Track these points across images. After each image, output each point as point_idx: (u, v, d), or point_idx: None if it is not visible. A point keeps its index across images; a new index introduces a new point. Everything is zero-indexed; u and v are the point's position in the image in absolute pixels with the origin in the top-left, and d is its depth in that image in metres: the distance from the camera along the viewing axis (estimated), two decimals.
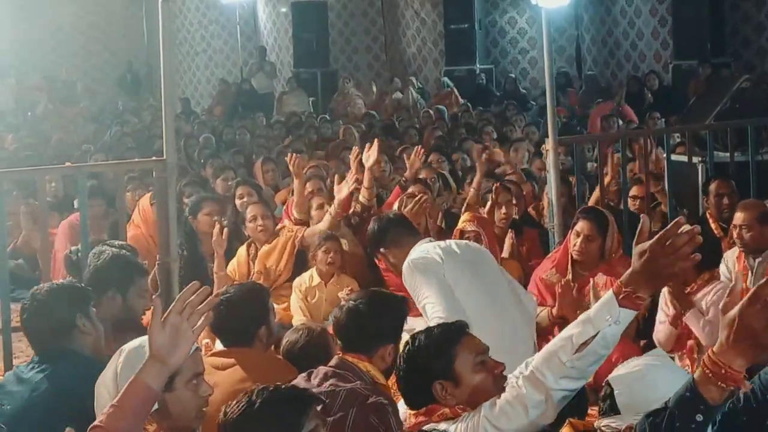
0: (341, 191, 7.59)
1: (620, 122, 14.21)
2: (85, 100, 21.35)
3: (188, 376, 3.76)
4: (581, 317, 3.39)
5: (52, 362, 4.48)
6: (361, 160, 8.13)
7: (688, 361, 6.51)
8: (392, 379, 4.40)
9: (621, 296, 3.25)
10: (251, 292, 5.02)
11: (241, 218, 8.17)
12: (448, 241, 5.97)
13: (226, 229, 7.50)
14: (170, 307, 3.22)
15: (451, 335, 3.71)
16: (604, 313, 3.28)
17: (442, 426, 3.51)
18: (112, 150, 13.85)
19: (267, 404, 3.15)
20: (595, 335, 3.29)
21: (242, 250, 7.87)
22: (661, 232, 3.18)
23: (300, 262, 7.79)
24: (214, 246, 7.43)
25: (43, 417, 4.26)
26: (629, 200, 8.51)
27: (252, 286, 5.23)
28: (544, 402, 3.37)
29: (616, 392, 3.50)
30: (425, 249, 5.71)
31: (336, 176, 7.99)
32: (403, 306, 4.63)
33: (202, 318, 3.26)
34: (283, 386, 3.09)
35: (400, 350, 3.85)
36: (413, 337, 3.77)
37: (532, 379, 3.39)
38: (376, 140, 8.42)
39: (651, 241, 3.19)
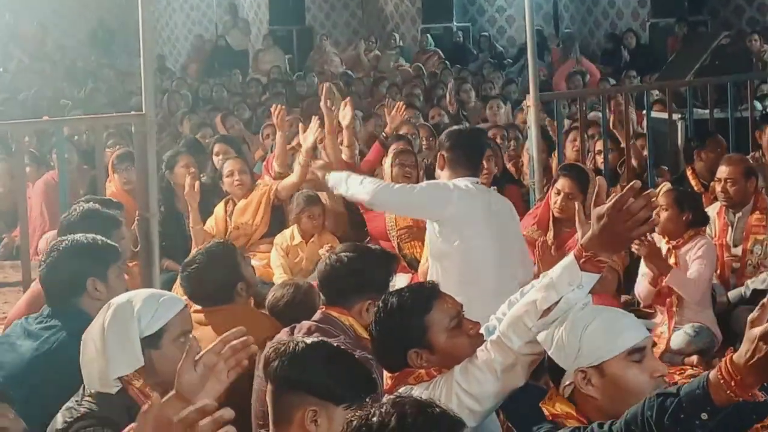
0: (307, 140, 7.52)
1: (583, 79, 14.24)
2: (55, 55, 21.10)
3: (176, 334, 3.74)
4: (545, 281, 3.37)
5: (61, 319, 4.36)
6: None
7: (667, 316, 6.54)
8: None
9: (582, 260, 3.23)
10: (218, 256, 4.96)
11: (219, 175, 8.13)
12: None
13: (198, 182, 7.45)
14: (209, 347, 3.02)
15: (422, 300, 3.65)
16: (567, 278, 3.27)
17: (416, 391, 3.48)
18: (86, 106, 13.73)
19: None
20: (559, 300, 3.27)
21: (219, 207, 7.84)
22: (616, 197, 3.16)
23: (276, 216, 7.76)
24: (187, 199, 7.40)
25: (41, 379, 4.16)
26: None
27: (217, 248, 5.12)
28: (513, 366, 3.35)
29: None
30: (463, 184, 5.66)
31: (300, 125, 7.91)
32: (390, 262, 4.56)
33: (238, 365, 3.03)
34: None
35: (374, 313, 3.78)
36: (384, 300, 3.72)
37: (499, 344, 3.37)
38: (349, 98, 8.38)
39: (607, 205, 3.17)
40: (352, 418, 2.62)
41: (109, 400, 3.59)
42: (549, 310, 3.26)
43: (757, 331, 2.72)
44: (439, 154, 5.80)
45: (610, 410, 3.11)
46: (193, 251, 5.77)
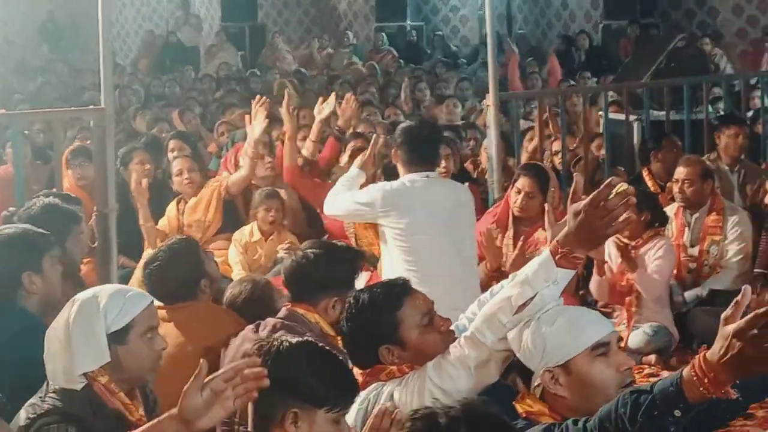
0: (254, 131, 7.50)
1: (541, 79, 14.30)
2: (3, 50, 20.88)
3: (142, 330, 3.70)
4: (519, 277, 3.36)
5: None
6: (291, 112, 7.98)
7: (626, 316, 6.58)
8: None
9: (558, 256, 3.23)
10: (180, 253, 4.89)
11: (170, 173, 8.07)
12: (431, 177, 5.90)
13: (145, 179, 7.40)
14: (218, 372, 2.95)
15: (394, 297, 3.64)
16: (542, 274, 3.25)
17: (388, 387, 3.46)
18: (36, 101, 13.58)
19: None
20: (534, 296, 3.25)
21: (171, 206, 7.79)
22: (594, 193, 3.16)
23: (229, 211, 7.71)
24: (135, 195, 7.34)
25: None
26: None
27: (179, 245, 5.03)
28: (487, 362, 3.34)
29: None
30: (399, 181, 5.75)
31: (246, 117, 7.88)
32: (356, 258, 4.54)
33: (247, 394, 2.94)
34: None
35: (345, 309, 3.77)
36: (355, 297, 3.70)
37: (473, 340, 3.36)
38: (333, 93, 8.40)
39: (584, 202, 3.17)
40: (417, 417, 2.57)
41: (73, 396, 3.54)
42: (524, 306, 3.25)
43: (731, 328, 2.70)
44: (393, 150, 5.81)
45: (581, 407, 3.10)
46: (156, 248, 5.71)
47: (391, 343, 3.57)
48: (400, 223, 5.60)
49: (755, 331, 2.64)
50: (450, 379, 3.35)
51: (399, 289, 3.69)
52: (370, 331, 3.59)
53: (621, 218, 3.14)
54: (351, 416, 3.42)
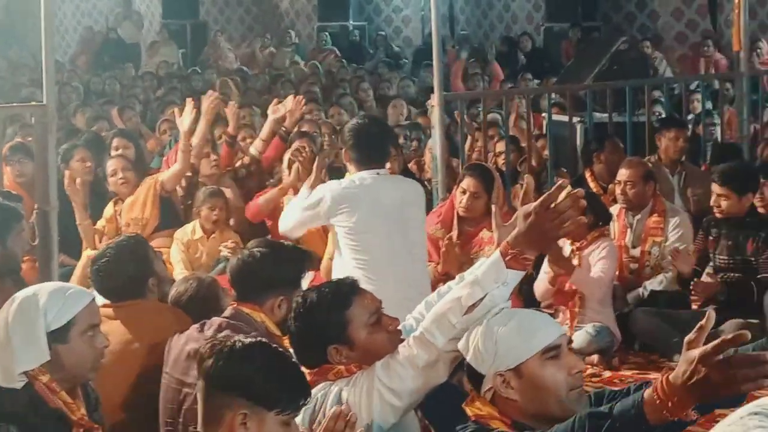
0: (183, 123, 7.47)
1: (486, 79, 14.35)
2: None
3: (83, 328, 3.66)
4: (469, 278, 3.36)
5: None
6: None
7: (569, 316, 6.61)
8: None
9: (508, 257, 3.22)
10: (129, 249, 4.83)
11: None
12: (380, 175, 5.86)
13: (79, 179, 7.36)
14: None
15: (342, 296, 3.63)
16: (492, 275, 3.25)
17: (336, 387, 3.45)
18: None
19: None
20: (484, 297, 3.24)
21: (109, 207, 7.74)
22: (544, 195, 3.18)
23: (166, 208, 7.66)
24: (69, 195, 7.28)
25: None
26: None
27: (128, 241, 4.99)
28: (436, 363, 3.33)
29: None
30: (349, 180, 5.73)
31: (176, 109, 7.84)
32: (303, 258, 4.51)
33: None
34: None
35: (292, 308, 3.75)
36: (303, 296, 3.68)
37: (422, 340, 3.35)
38: (290, 96, 8.45)
39: (535, 204, 3.18)
40: None
41: (14, 395, 3.50)
42: (474, 306, 3.24)
43: (696, 353, 2.69)
44: (344, 151, 5.79)
45: (532, 411, 3.11)
46: (94, 248, 5.65)
47: (339, 343, 3.56)
48: (349, 222, 5.57)
49: (721, 356, 2.64)
50: (399, 379, 3.35)
51: (347, 289, 3.67)
52: (318, 330, 3.58)
53: (571, 220, 3.15)
54: (298, 416, 3.40)
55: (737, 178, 6.64)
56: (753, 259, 6.54)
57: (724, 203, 6.60)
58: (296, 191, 6.57)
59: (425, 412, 3.57)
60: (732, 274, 6.63)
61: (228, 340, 3.18)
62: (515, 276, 3.25)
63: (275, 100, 8.27)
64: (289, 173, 7.32)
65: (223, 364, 3.06)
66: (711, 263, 6.77)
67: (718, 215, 6.70)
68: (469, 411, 3.17)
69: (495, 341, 3.13)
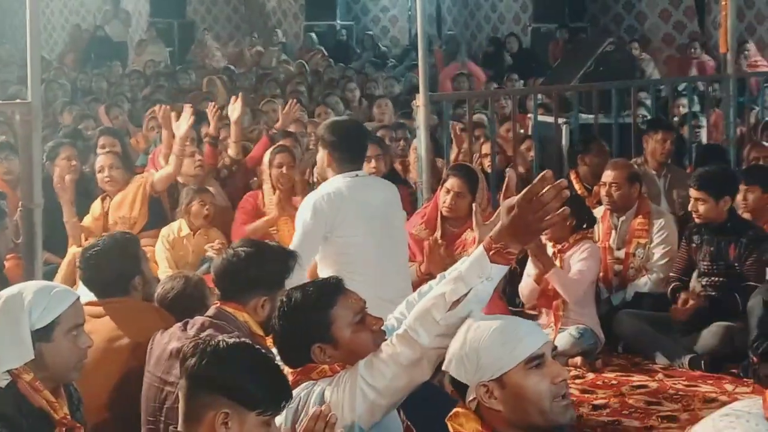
0: (180, 128, 7.46)
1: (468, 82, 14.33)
2: None
3: (68, 327, 3.66)
4: (453, 274, 3.36)
5: None
6: (220, 115, 7.98)
7: (553, 318, 6.62)
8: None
9: (492, 252, 3.23)
10: (120, 243, 4.87)
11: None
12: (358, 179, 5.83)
13: (68, 176, 7.34)
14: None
15: (327, 296, 3.62)
16: (476, 270, 3.25)
17: (319, 386, 3.44)
18: None
19: None
20: (468, 292, 3.25)
21: (97, 204, 7.73)
22: (527, 187, 3.18)
23: (155, 208, 7.65)
24: (58, 193, 7.27)
25: None
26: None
27: (121, 237, 5.04)
28: (420, 360, 3.32)
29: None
30: (335, 187, 5.64)
31: (173, 113, 7.84)
32: (287, 258, 4.50)
33: None
34: None
35: (276, 307, 3.73)
36: (288, 295, 3.68)
37: (406, 337, 3.34)
38: (240, 94, 8.34)
39: (518, 197, 3.18)
40: None
41: (3, 394, 3.49)
42: (458, 302, 3.24)
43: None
44: (325, 154, 5.74)
45: (515, 420, 3.09)
46: (80, 245, 5.64)
47: (323, 342, 3.55)
48: (334, 224, 5.57)
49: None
50: (382, 377, 3.34)
51: (332, 288, 3.67)
52: (302, 329, 3.57)
53: (554, 212, 3.15)
54: (281, 415, 3.40)
55: (713, 181, 6.61)
56: (736, 264, 6.54)
57: (701, 207, 6.58)
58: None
59: (407, 412, 3.57)
60: (716, 279, 6.63)
61: (211, 339, 3.19)
62: (499, 271, 3.25)
63: (232, 99, 8.23)
64: (270, 175, 7.34)
65: (206, 364, 3.06)
66: (696, 270, 6.76)
67: (697, 220, 6.68)
68: (450, 427, 3.14)
69: (477, 351, 3.11)
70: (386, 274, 5.57)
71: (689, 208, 6.77)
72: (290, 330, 3.60)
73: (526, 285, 6.73)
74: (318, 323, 3.56)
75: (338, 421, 3.23)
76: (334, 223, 5.55)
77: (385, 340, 3.53)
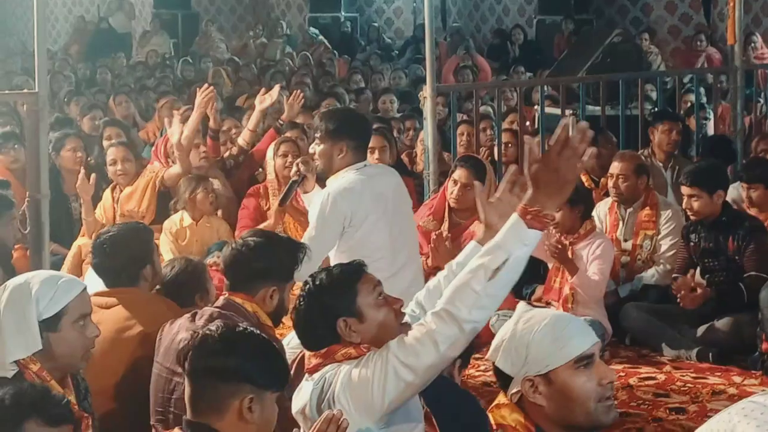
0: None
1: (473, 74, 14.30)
2: None
3: (75, 317, 3.67)
4: (488, 246, 3.31)
5: None
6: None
7: (562, 311, 6.59)
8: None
9: (528, 216, 3.21)
10: (135, 231, 4.89)
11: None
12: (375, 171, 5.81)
13: (94, 175, 7.33)
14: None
15: (351, 273, 3.62)
16: (514, 236, 3.23)
17: (346, 367, 3.41)
18: None
19: None
20: (505, 261, 3.21)
21: (107, 194, 7.74)
22: (555, 138, 3.17)
23: (164, 202, 7.64)
24: (79, 191, 7.31)
25: None
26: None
27: (135, 226, 5.07)
28: (456, 335, 3.28)
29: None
30: (351, 181, 5.55)
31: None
32: (297, 250, 4.48)
33: None
34: None
35: (300, 289, 3.66)
36: (313, 276, 3.64)
37: (441, 314, 3.29)
38: (277, 86, 8.35)
39: (546, 153, 3.18)
40: None
41: (4, 384, 3.47)
42: (497, 271, 3.20)
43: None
44: (335, 146, 5.63)
45: (557, 418, 3.08)
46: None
47: (347, 315, 3.51)
48: (353, 219, 5.52)
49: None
50: (415, 355, 3.30)
51: (356, 267, 3.66)
52: (327, 303, 3.52)
53: (586, 154, 3.14)
54: (305, 395, 3.42)
55: (705, 176, 6.55)
56: (736, 257, 6.50)
57: (695, 204, 6.52)
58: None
59: (426, 399, 3.54)
60: (719, 274, 6.60)
61: (216, 331, 3.22)
62: (535, 236, 3.23)
63: (262, 90, 8.22)
64: (274, 166, 7.34)
65: (223, 357, 3.13)
66: (698, 267, 6.72)
67: (692, 217, 6.63)
68: (492, 418, 3.13)
69: (526, 345, 3.08)
70: (400, 265, 5.55)
71: (683, 206, 6.70)
72: (314, 307, 3.54)
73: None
74: (343, 295, 3.53)
75: (360, 410, 3.28)
76: (353, 218, 5.49)
77: (407, 323, 3.52)
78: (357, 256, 5.42)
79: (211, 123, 8.34)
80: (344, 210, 5.47)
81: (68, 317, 3.65)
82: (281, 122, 8.38)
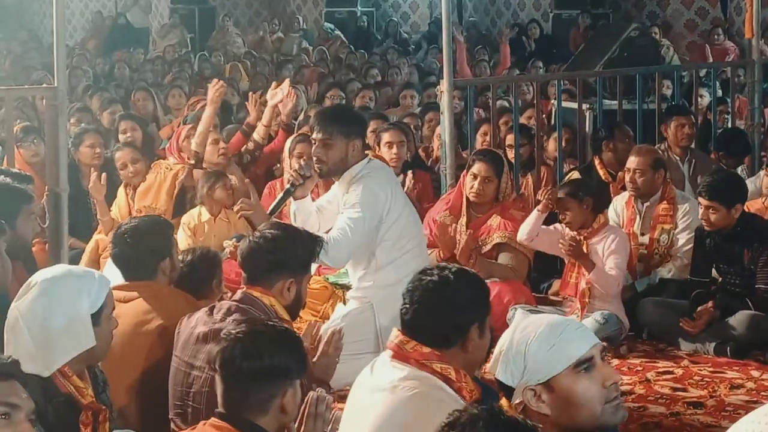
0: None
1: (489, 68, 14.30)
2: None
3: (109, 311, 3.73)
4: None
5: None
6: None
7: (578, 305, 6.59)
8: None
9: None
10: (156, 223, 4.91)
11: None
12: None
13: (104, 174, 7.35)
14: None
15: (473, 275, 3.67)
16: None
17: (422, 390, 3.35)
18: None
19: None
20: None
21: (121, 192, 7.73)
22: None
23: (180, 198, 7.66)
24: (92, 192, 7.33)
25: None
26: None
27: (156, 219, 5.10)
28: None
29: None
30: (378, 172, 5.69)
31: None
32: (314, 243, 4.50)
33: None
34: None
35: (419, 281, 3.54)
36: (434, 274, 3.54)
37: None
38: (287, 80, 8.33)
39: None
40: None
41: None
42: None
43: None
44: (349, 144, 5.69)
45: (564, 424, 3.02)
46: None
47: (480, 323, 3.53)
48: (389, 210, 5.65)
49: None
50: None
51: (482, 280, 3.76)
52: (461, 305, 3.51)
53: None
54: (387, 374, 3.45)
55: (724, 190, 6.42)
56: (752, 267, 6.42)
57: (713, 216, 6.38)
58: None
59: None
60: (734, 279, 6.55)
61: (247, 333, 3.36)
62: None
63: (273, 84, 8.22)
64: (290, 165, 7.37)
65: (267, 358, 3.28)
66: (714, 267, 6.69)
67: (707, 229, 6.50)
68: None
69: (524, 355, 3.03)
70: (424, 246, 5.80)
71: (699, 217, 6.57)
72: (444, 306, 3.51)
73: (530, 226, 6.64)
74: (481, 306, 3.60)
75: None
76: (389, 209, 5.62)
77: None
78: (400, 245, 5.59)
79: (251, 119, 8.35)
80: (381, 203, 5.60)
81: (107, 311, 3.68)
82: (284, 122, 8.40)
